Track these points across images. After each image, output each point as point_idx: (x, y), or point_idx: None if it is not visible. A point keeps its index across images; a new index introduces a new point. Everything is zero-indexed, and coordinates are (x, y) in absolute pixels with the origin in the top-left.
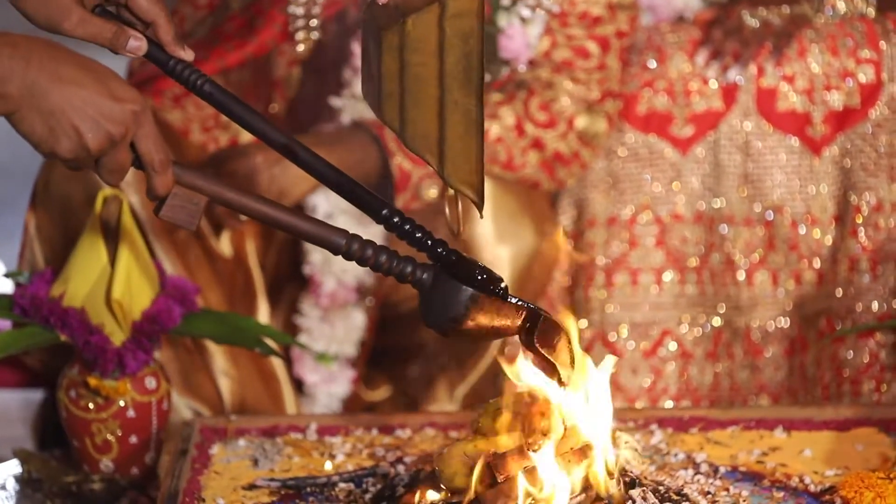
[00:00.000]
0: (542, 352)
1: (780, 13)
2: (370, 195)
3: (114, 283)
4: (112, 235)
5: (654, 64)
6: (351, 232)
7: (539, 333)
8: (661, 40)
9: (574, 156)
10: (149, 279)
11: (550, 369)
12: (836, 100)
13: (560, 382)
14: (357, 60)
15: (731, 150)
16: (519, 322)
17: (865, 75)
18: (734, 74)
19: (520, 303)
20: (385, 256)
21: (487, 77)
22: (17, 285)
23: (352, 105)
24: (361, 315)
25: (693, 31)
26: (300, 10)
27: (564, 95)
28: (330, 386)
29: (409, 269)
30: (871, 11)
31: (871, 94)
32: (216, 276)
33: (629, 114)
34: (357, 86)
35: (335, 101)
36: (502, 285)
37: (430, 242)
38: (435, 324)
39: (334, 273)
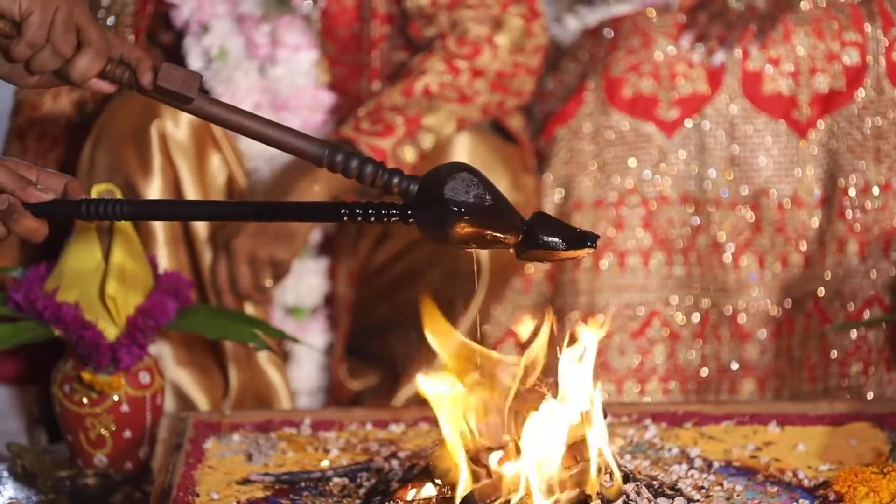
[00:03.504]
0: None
1: None
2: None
3: (108, 278)
4: (106, 230)
5: (640, 48)
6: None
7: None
8: (646, 24)
9: (516, 66)
10: (143, 274)
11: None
12: (821, 82)
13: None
14: None
15: (717, 132)
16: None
17: (850, 58)
18: (720, 57)
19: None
20: (371, 167)
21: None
22: (11, 280)
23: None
24: (317, 264)
25: (678, 15)
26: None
27: (470, 24)
28: (306, 337)
29: (395, 179)
30: None
31: (856, 76)
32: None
33: (615, 97)
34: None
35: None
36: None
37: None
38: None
39: None
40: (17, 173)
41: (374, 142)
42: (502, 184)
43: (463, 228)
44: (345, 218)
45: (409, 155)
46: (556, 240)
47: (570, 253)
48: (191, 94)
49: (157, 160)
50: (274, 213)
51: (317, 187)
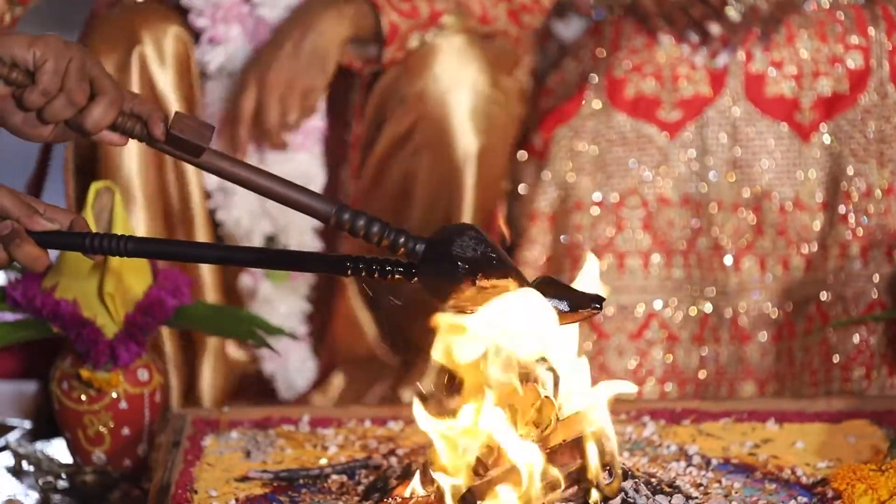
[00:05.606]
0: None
1: None
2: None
3: (106, 275)
4: (105, 227)
5: (643, 48)
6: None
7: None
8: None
9: (535, 2)
10: (141, 271)
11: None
12: (824, 85)
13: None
14: None
15: (719, 134)
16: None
17: (854, 61)
18: (722, 59)
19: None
20: (378, 226)
21: None
22: (10, 277)
23: None
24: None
25: None
26: None
27: None
28: (287, 363)
29: (401, 238)
30: None
31: (859, 79)
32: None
33: (617, 97)
34: None
35: None
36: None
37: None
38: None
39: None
40: (23, 201)
41: (395, 18)
42: (480, 81)
43: (470, 285)
44: (349, 272)
45: (413, 42)
46: (560, 302)
47: (575, 315)
48: (203, 144)
49: None
50: (281, 262)
51: (346, 22)
